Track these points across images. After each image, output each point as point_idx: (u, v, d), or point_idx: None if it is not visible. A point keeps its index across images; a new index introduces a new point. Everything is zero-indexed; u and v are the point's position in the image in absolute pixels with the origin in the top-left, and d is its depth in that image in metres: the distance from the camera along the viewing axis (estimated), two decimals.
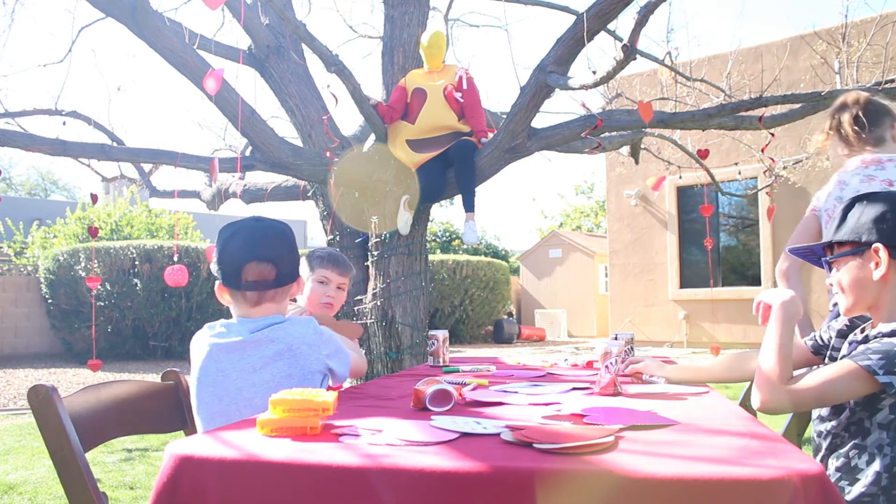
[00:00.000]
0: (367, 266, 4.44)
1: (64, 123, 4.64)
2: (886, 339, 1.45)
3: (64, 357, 10.88)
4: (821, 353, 1.75)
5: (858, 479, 1.47)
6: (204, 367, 1.68)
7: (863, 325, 1.64)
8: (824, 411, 1.61)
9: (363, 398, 1.66)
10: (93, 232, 4.15)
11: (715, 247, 12.23)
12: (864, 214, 1.58)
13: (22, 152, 3.81)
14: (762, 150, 3.94)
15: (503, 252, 24.36)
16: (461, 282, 14.33)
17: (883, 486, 1.44)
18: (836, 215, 1.64)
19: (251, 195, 5.32)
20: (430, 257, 12.41)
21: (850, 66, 5.44)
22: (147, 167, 5.68)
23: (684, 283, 12.41)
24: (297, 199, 5.15)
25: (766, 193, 9.16)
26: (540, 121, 4.03)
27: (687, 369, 1.90)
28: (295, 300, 2.53)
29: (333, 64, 3.63)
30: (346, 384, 2.64)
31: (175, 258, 6.89)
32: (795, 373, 1.52)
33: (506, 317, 15.83)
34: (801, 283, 2.61)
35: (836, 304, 2.29)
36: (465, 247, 21.56)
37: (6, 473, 3.87)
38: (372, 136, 4.46)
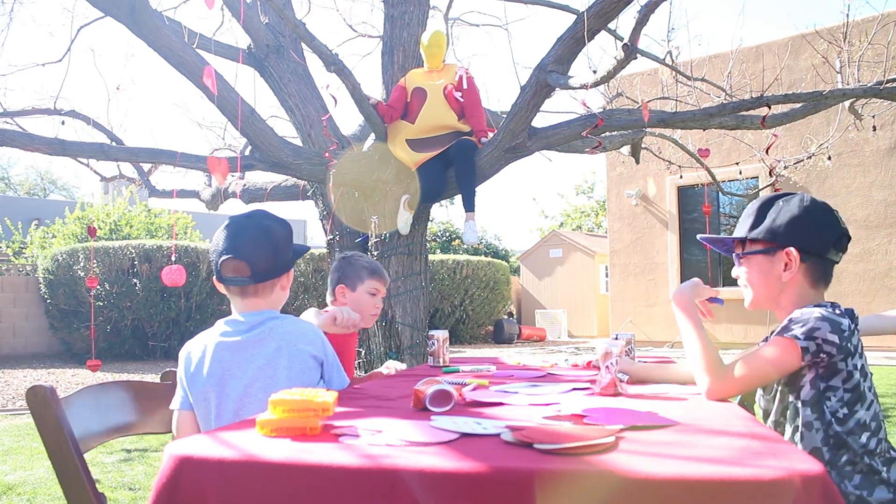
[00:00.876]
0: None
1: (63, 123, 4.63)
2: (807, 311, 1.55)
3: (63, 357, 10.88)
4: None
5: None
6: (210, 366, 1.70)
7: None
8: (765, 405, 1.68)
9: (363, 398, 1.65)
10: (91, 232, 4.15)
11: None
12: (780, 216, 1.66)
13: (21, 152, 3.80)
14: (766, 151, 3.93)
15: (503, 252, 24.37)
16: (461, 282, 14.33)
17: (828, 460, 1.49)
18: (751, 212, 1.71)
19: (251, 195, 5.31)
20: (430, 257, 12.42)
21: (852, 65, 5.43)
22: (146, 167, 5.68)
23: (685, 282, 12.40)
24: (296, 199, 5.15)
25: (774, 189, 9.16)
26: (540, 120, 4.03)
27: (653, 369, 1.94)
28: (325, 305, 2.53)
29: (333, 63, 3.63)
30: None
31: (173, 258, 6.89)
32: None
33: (506, 317, 15.83)
34: None
35: None
36: (465, 247, 21.57)
37: (5, 474, 3.87)
38: (372, 136, 4.46)
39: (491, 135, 4.14)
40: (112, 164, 5.77)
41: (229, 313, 1.82)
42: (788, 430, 1.59)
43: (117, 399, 1.60)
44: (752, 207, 1.72)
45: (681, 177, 7.23)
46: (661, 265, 12.74)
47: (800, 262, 1.64)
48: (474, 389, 1.71)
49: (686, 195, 12.45)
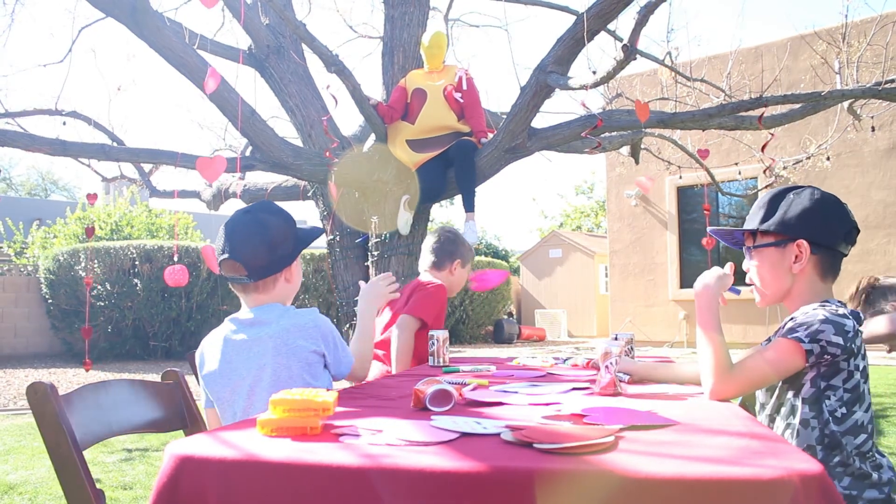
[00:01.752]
0: (367, 266, 4.44)
1: (64, 123, 4.63)
2: (811, 312, 1.55)
3: (64, 357, 10.88)
4: None
5: None
6: (220, 366, 1.74)
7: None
8: (763, 399, 1.69)
9: (363, 398, 1.66)
10: (88, 232, 4.15)
11: (715, 247, 12.23)
12: (792, 208, 1.67)
13: (22, 152, 3.81)
14: (762, 150, 3.94)
15: (503, 252, 24.36)
16: None
17: (819, 459, 1.49)
18: (762, 204, 1.72)
19: (251, 195, 5.32)
20: None
21: (851, 66, 5.44)
22: (147, 167, 5.68)
23: (684, 283, 12.41)
24: (297, 199, 5.15)
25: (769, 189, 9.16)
26: (540, 121, 4.03)
27: (655, 368, 1.94)
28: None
29: (333, 64, 3.63)
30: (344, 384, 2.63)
31: (175, 258, 6.89)
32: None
33: (506, 317, 15.83)
34: None
35: None
36: None
37: (6, 473, 3.87)
38: (372, 136, 4.46)
39: (491, 135, 4.14)
40: (113, 164, 5.77)
41: (229, 313, 1.84)
42: (781, 425, 1.60)
43: (118, 397, 1.61)
44: (762, 200, 1.73)
45: (680, 177, 7.24)
46: (660, 265, 12.74)
47: (810, 255, 1.65)
48: (474, 389, 1.71)
49: (685, 195, 12.45)
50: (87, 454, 1.37)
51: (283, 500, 1.01)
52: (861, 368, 1.54)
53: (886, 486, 1.50)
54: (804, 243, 1.64)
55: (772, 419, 1.63)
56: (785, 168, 7.80)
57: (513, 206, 61.05)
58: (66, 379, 8.31)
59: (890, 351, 2.50)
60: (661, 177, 11.87)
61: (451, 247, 2.99)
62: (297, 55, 4.56)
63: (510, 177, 58.68)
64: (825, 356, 1.50)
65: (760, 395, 1.70)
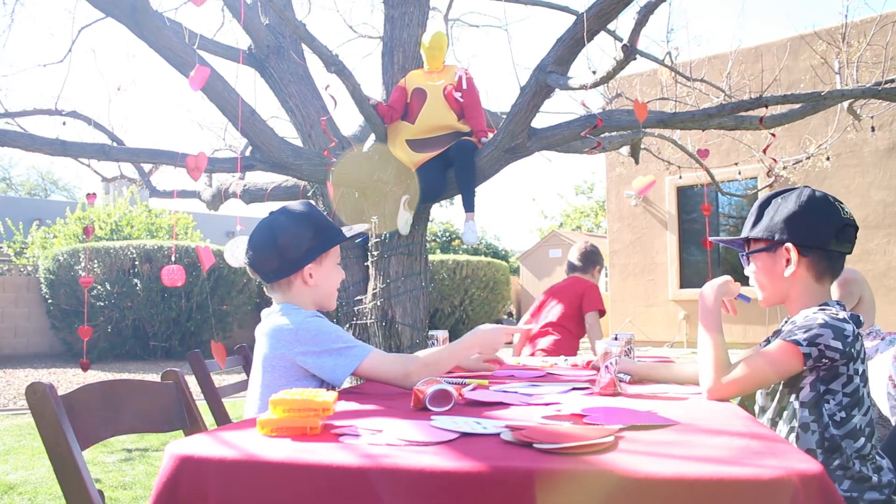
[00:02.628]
0: (367, 266, 4.44)
1: (64, 123, 4.63)
2: (811, 315, 1.56)
3: (64, 357, 10.88)
4: None
5: None
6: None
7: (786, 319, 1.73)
8: (763, 402, 1.69)
9: (363, 398, 1.66)
10: (87, 231, 4.15)
11: (715, 247, 12.23)
12: (778, 213, 1.68)
13: (22, 152, 3.81)
14: (764, 151, 3.94)
15: (503, 252, 24.37)
16: (461, 282, 14.32)
17: (820, 462, 1.47)
18: (753, 211, 1.74)
19: (251, 195, 5.32)
20: (430, 257, 12.43)
21: (850, 66, 5.44)
22: (147, 167, 5.68)
23: (684, 283, 12.41)
24: (297, 199, 5.15)
25: (770, 189, 9.17)
26: (540, 121, 4.03)
27: (655, 368, 1.95)
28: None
29: (333, 64, 3.63)
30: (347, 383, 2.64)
31: (173, 258, 6.89)
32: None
33: (506, 317, 15.84)
34: None
35: None
36: (465, 247, 21.56)
37: (6, 473, 3.87)
38: (372, 136, 4.46)
39: (491, 135, 4.14)
40: (113, 164, 5.77)
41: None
42: (784, 429, 1.60)
43: (118, 397, 1.61)
44: (754, 206, 1.74)
45: (680, 177, 7.24)
46: (660, 265, 12.74)
47: (800, 257, 1.65)
48: (474, 389, 1.71)
49: (685, 195, 12.45)
50: (86, 454, 1.37)
51: (283, 500, 1.01)
52: (861, 372, 1.54)
53: (886, 488, 1.50)
54: (791, 247, 1.65)
55: (774, 423, 1.63)
56: (785, 168, 7.80)
57: (513, 206, 61.06)
58: (66, 379, 8.31)
59: None
60: (661, 177, 11.87)
61: (594, 257, 4.40)
62: (297, 55, 4.55)
63: (510, 177, 58.75)
64: (823, 360, 1.50)
65: (761, 399, 1.70)
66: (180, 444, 1.09)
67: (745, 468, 0.94)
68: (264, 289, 1.88)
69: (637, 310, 12.85)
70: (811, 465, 0.94)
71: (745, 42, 12.40)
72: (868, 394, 1.56)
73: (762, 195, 1.74)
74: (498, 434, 1.16)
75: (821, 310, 1.57)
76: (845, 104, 5.42)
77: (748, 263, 1.76)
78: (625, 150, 6.02)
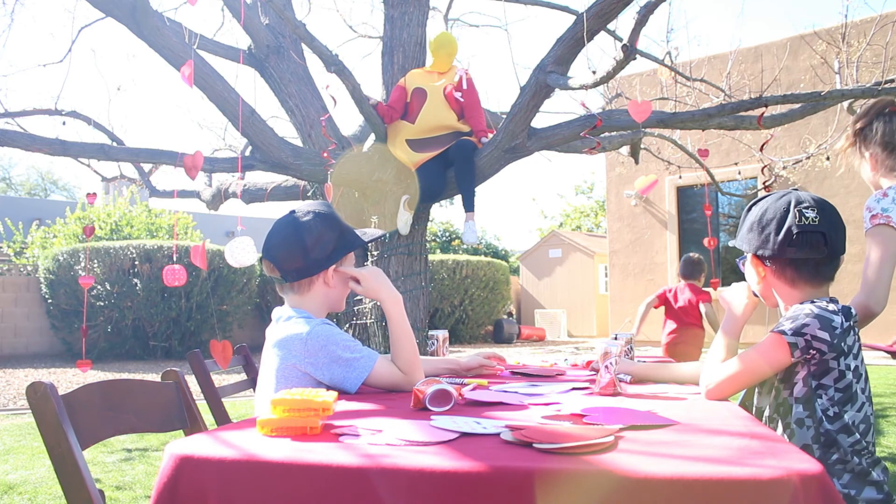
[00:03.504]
0: (367, 266, 4.44)
1: (64, 123, 4.63)
2: (799, 307, 1.56)
3: (64, 357, 10.88)
4: None
5: None
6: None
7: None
8: (760, 401, 1.68)
9: (363, 398, 1.66)
10: (87, 231, 4.14)
11: (715, 247, 12.24)
12: (744, 223, 1.69)
13: (22, 152, 3.81)
14: (761, 149, 3.93)
15: (503, 252, 24.37)
16: (461, 282, 14.32)
17: (817, 458, 1.49)
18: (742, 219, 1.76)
19: (251, 195, 5.32)
20: (430, 257, 12.42)
21: (850, 66, 5.44)
22: (147, 167, 5.68)
23: None
24: (297, 199, 5.15)
25: (766, 190, 9.18)
26: (540, 121, 4.03)
27: (654, 368, 1.95)
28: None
29: (333, 64, 3.63)
30: None
31: (174, 258, 6.88)
32: None
33: (506, 317, 15.83)
34: None
35: None
36: (465, 247, 21.56)
37: (6, 473, 3.87)
38: (372, 136, 4.46)
39: (490, 135, 4.14)
40: (113, 164, 5.77)
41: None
42: (781, 425, 1.60)
43: (118, 397, 1.61)
44: (742, 213, 1.76)
45: (680, 177, 7.24)
46: (660, 265, 12.74)
47: (764, 267, 1.65)
48: (474, 389, 1.71)
49: (685, 195, 12.45)
50: (87, 454, 1.37)
51: (283, 500, 1.01)
52: (853, 368, 1.52)
53: (885, 484, 1.50)
54: (753, 257, 1.66)
55: (773, 419, 1.63)
56: (785, 168, 7.81)
57: (513, 206, 61.07)
58: (66, 379, 8.31)
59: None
60: (661, 177, 11.87)
61: (700, 266, 5.60)
62: (297, 55, 4.56)
63: (510, 177, 58.73)
64: (811, 351, 1.49)
65: (757, 399, 1.70)
66: (180, 444, 1.09)
67: (744, 468, 0.94)
68: (277, 288, 1.84)
69: (637, 310, 12.85)
70: (811, 465, 0.94)
71: (745, 42, 12.40)
72: (863, 390, 1.54)
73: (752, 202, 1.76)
74: (498, 434, 1.16)
75: (811, 302, 1.56)
76: (845, 104, 5.42)
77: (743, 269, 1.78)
78: (625, 150, 6.02)
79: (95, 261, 10.32)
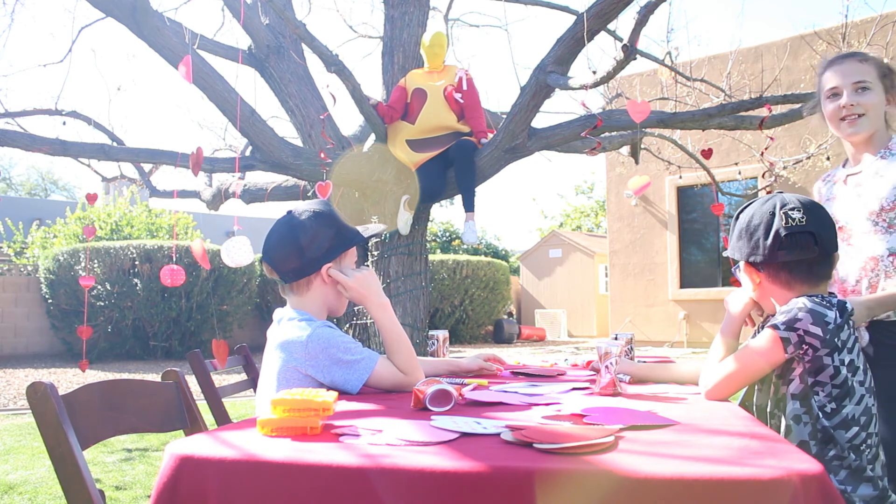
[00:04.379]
0: (367, 266, 4.44)
1: (64, 123, 4.64)
2: (793, 301, 1.55)
3: (64, 357, 10.88)
4: None
5: None
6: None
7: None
8: (760, 400, 1.68)
9: (363, 398, 1.66)
10: (88, 232, 4.15)
11: (715, 247, 12.24)
12: (733, 232, 1.69)
13: (22, 152, 3.81)
14: (761, 154, 3.93)
15: (503, 252, 24.37)
16: (461, 282, 14.32)
17: (815, 454, 1.49)
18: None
19: (251, 195, 5.32)
20: (430, 257, 12.42)
21: None
22: (147, 167, 5.68)
23: (684, 283, 12.41)
24: (297, 199, 5.15)
25: (766, 192, 9.17)
26: (540, 121, 4.03)
27: (654, 369, 1.95)
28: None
29: (333, 64, 3.63)
30: None
31: (174, 258, 6.88)
32: None
33: (506, 317, 15.84)
34: None
35: None
36: (465, 247, 21.56)
37: (6, 473, 3.87)
38: (372, 136, 4.46)
39: (491, 135, 4.14)
40: (113, 164, 5.77)
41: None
42: (780, 422, 1.59)
43: (118, 397, 1.61)
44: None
45: (680, 177, 7.24)
46: (660, 265, 12.74)
47: (758, 273, 1.64)
48: (474, 389, 1.71)
49: (685, 195, 12.45)
50: (87, 454, 1.37)
51: (283, 500, 1.01)
52: (848, 363, 1.50)
53: (881, 479, 1.50)
54: (745, 265, 1.66)
55: (774, 416, 1.62)
56: (785, 168, 7.81)
57: (513, 206, 61.09)
58: (66, 379, 8.31)
59: None
60: (661, 177, 11.88)
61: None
62: (297, 55, 4.56)
63: (510, 177, 58.75)
64: (804, 346, 1.48)
65: (758, 396, 1.70)
66: (180, 444, 1.09)
67: (744, 468, 0.94)
68: (279, 290, 1.84)
69: (637, 310, 12.86)
70: (811, 465, 0.94)
71: (745, 42, 12.41)
72: (861, 382, 1.53)
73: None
74: (498, 434, 1.16)
75: (807, 297, 1.55)
76: None
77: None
78: (625, 150, 6.02)
79: (95, 261, 10.33)
